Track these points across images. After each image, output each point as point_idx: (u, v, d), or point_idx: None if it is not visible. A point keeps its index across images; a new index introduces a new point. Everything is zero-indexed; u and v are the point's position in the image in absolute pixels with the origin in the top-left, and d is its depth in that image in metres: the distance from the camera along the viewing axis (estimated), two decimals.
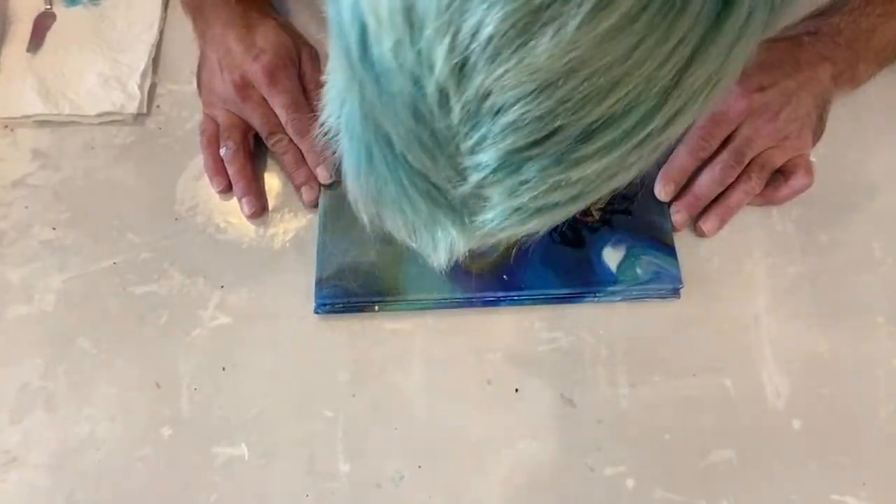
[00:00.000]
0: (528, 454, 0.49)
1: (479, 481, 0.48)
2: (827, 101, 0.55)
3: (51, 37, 0.64)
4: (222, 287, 0.54)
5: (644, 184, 0.55)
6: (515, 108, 0.24)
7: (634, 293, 0.53)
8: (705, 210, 0.54)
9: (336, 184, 0.56)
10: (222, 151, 0.57)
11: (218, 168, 0.57)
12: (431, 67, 0.24)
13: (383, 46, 0.24)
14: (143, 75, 0.62)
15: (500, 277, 0.52)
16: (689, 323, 0.52)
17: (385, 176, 0.30)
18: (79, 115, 0.60)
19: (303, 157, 0.56)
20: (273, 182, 0.58)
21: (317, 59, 0.60)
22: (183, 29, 0.63)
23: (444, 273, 0.52)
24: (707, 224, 0.54)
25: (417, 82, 0.24)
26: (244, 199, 0.56)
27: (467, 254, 0.35)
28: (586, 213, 0.54)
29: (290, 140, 0.56)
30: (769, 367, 0.51)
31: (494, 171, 0.27)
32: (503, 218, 0.30)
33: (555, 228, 0.54)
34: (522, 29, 0.22)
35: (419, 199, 0.30)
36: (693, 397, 0.50)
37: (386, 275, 0.52)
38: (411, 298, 0.52)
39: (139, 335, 0.53)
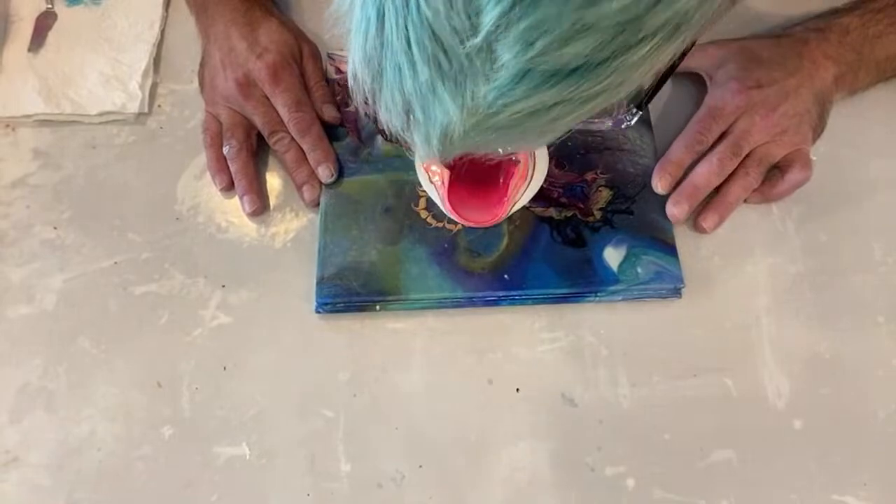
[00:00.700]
0: (528, 454, 0.49)
1: (480, 481, 0.48)
2: (828, 100, 0.55)
3: (52, 36, 0.64)
4: (223, 287, 0.54)
5: (645, 184, 0.55)
6: None
7: (635, 293, 0.53)
8: (704, 207, 0.54)
9: (337, 183, 0.56)
10: (225, 150, 0.57)
11: (220, 166, 0.57)
12: None
13: None
14: (145, 75, 0.62)
15: (501, 277, 0.52)
16: (689, 323, 0.52)
17: (391, 37, 0.29)
18: (80, 115, 0.60)
19: (304, 156, 0.56)
20: (274, 181, 0.58)
21: (319, 58, 0.60)
22: (184, 28, 0.63)
23: (443, 273, 0.52)
24: (707, 221, 0.54)
25: None
26: (245, 198, 0.56)
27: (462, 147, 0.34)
28: (587, 212, 0.54)
29: (292, 139, 0.56)
30: (770, 367, 0.51)
31: (511, 6, 0.26)
32: (510, 87, 0.29)
33: (556, 228, 0.54)
34: None
35: (422, 64, 0.29)
36: (694, 397, 0.50)
37: (387, 274, 0.53)
38: (412, 298, 0.52)
39: (140, 335, 0.53)
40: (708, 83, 0.57)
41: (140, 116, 0.61)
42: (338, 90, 0.59)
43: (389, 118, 0.33)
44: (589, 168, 0.56)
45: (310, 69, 0.58)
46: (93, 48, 0.63)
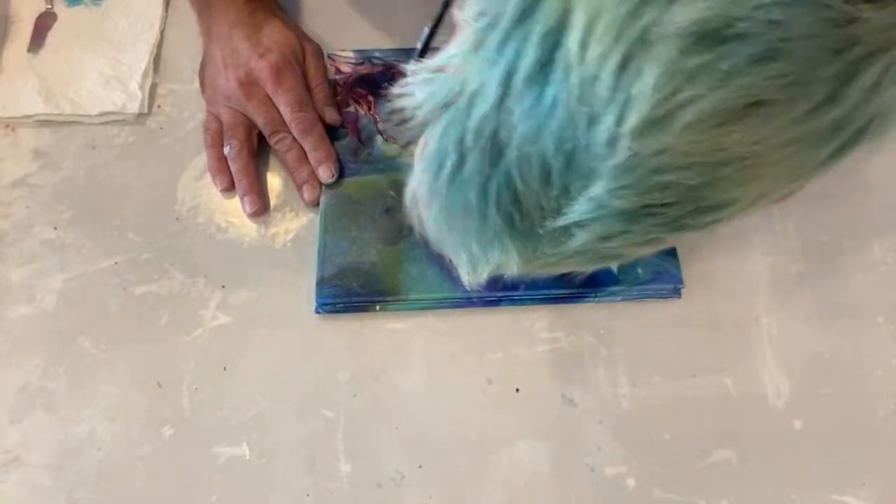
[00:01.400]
0: (528, 454, 0.49)
1: (480, 481, 0.48)
2: None
3: (52, 36, 0.64)
4: (223, 287, 0.54)
5: None
6: (671, 173, 0.24)
7: (635, 293, 0.53)
8: None
9: (337, 183, 0.56)
10: (226, 149, 0.57)
11: (221, 167, 0.57)
12: (622, 115, 0.23)
13: (571, 79, 0.23)
14: (145, 75, 0.62)
15: (501, 277, 0.52)
16: (689, 323, 0.52)
17: (470, 184, 0.28)
18: (80, 115, 0.60)
19: (305, 156, 0.56)
20: (274, 181, 0.58)
21: (321, 58, 0.60)
22: (184, 29, 0.63)
23: (443, 273, 0.52)
24: None
25: (592, 116, 0.23)
26: (246, 198, 0.56)
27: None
28: None
29: (293, 138, 0.56)
30: (769, 367, 0.51)
31: (604, 217, 0.26)
32: (569, 256, 0.29)
33: None
34: (728, 116, 0.22)
35: (496, 216, 0.28)
36: (693, 397, 0.50)
37: (387, 275, 0.53)
38: (412, 298, 0.52)
39: (140, 335, 0.53)
40: None
41: (140, 117, 0.61)
42: (338, 91, 0.59)
43: (441, 237, 0.32)
44: None
45: (312, 69, 0.58)
46: (93, 48, 0.63)
